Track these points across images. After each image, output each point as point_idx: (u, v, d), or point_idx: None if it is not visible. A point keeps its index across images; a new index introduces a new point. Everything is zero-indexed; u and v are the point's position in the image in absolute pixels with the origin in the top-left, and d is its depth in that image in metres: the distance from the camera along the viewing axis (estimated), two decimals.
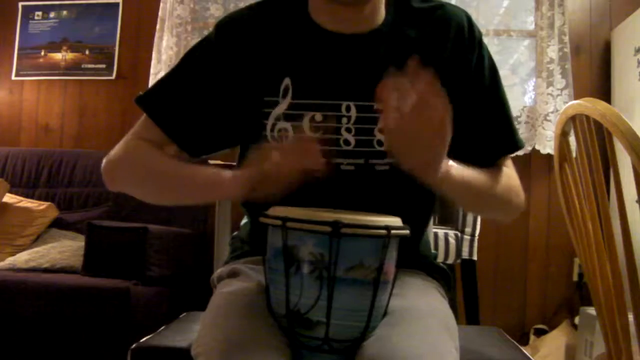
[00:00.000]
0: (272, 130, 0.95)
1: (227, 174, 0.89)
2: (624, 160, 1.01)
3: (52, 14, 3.32)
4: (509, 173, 1.01)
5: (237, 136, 1.01)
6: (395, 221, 0.76)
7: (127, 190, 1.01)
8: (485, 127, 0.99)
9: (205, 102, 0.97)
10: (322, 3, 0.96)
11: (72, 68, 3.26)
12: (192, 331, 1.12)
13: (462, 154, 1.02)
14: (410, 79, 0.74)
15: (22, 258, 2.41)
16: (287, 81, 0.95)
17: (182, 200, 1.02)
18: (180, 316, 1.32)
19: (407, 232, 0.76)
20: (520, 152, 1.04)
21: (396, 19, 0.99)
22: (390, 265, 0.76)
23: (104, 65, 3.23)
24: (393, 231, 0.73)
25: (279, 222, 0.74)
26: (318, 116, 0.94)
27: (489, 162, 1.01)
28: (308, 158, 0.81)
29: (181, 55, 3.38)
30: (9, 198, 2.73)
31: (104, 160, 0.99)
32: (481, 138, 0.99)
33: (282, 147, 0.86)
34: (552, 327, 2.72)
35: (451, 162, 0.86)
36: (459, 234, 2.27)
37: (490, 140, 1.00)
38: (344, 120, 0.94)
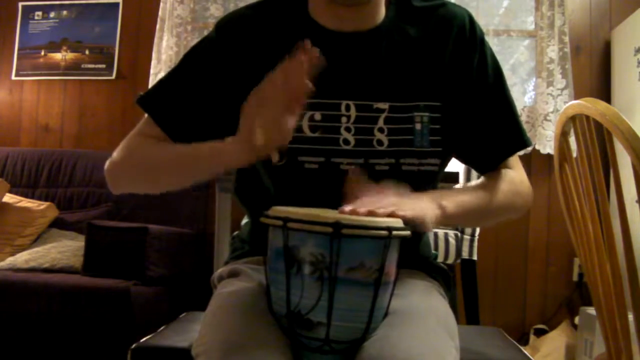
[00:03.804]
0: None
1: (228, 139, 0.87)
2: (624, 160, 1.01)
3: (52, 14, 3.31)
4: (513, 175, 1.01)
5: None
6: (396, 222, 0.76)
7: (131, 188, 1.00)
8: (492, 125, 0.99)
9: (206, 102, 0.97)
10: (323, 2, 0.96)
11: (72, 68, 3.26)
12: (192, 331, 1.12)
13: (470, 154, 1.02)
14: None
15: (22, 258, 2.41)
16: None
17: (189, 179, 1.00)
18: (180, 316, 1.32)
19: (408, 232, 0.76)
20: (520, 152, 1.04)
21: (397, 18, 0.98)
22: (391, 266, 0.76)
23: (104, 65, 3.23)
24: (394, 232, 0.73)
25: (279, 223, 0.73)
26: (317, 115, 0.93)
27: (497, 161, 1.01)
28: (294, 79, 0.79)
29: (181, 55, 3.38)
30: (9, 198, 2.73)
31: (107, 163, 0.99)
32: (488, 137, 0.99)
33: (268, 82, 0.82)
34: (552, 327, 2.72)
35: (445, 200, 0.87)
36: (459, 234, 2.27)
37: (497, 138, 1.00)
38: (344, 119, 0.94)
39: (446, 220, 0.86)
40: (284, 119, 0.80)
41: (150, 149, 0.97)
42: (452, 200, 0.88)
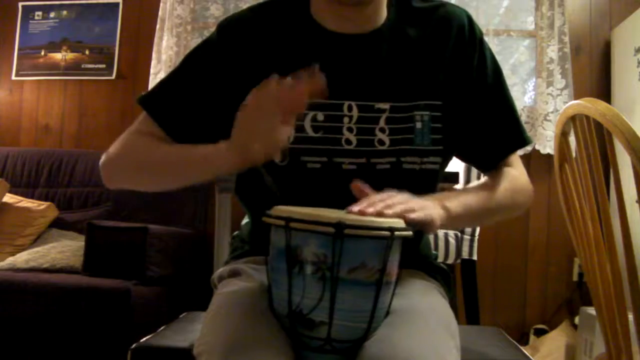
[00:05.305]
0: None
1: (222, 144, 0.86)
2: (624, 160, 1.02)
3: (52, 14, 3.31)
4: (514, 173, 1.02)
5: None
6: (398, 222, 0.76)
7: (126, 184, 1.01)
8: (492, 125, 1.00)
9: (207, 103, 0.97)
10: (324, 3, 0.96)
11: (72, 68, 3.26)
12: (192, 331, 1.12)
13: (471, 153, 1.03)
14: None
15: (22, 258, 2.42)
16: None
17: (182, 181, 1.00)
18: (180, 316, 1.32)
19: (410, 232, 0.76)
20: (520, 152, 1.05)
21: (397, 19, 0.99)
22: (393, 266, 0.76)
23: (104, 65, 3.23)
24: (396, 232, 0.73)
25: (282, 222, 0.73)
26: (320, 116, 0.94)
27: (498, 159, 1.02)
28: (289, 102, 0.79)
29: (181, 55, 3.36)
30: (9, 198, 2.73)
31: (103, 157, 1.00)
32: (489, 135, 1.00)
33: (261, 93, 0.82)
34: (552, 327, 2.72)
35: (449, 201, 0.87)
36: (459, 234, 2.27)
37: (498, 137, 1.01)
38: (346, 119, 0.94)
39: (451, 221, 0.87)
40: (278, 126, 0.81)
41: (146, 147, 0.97)
42: (455, 202, 0.89)
